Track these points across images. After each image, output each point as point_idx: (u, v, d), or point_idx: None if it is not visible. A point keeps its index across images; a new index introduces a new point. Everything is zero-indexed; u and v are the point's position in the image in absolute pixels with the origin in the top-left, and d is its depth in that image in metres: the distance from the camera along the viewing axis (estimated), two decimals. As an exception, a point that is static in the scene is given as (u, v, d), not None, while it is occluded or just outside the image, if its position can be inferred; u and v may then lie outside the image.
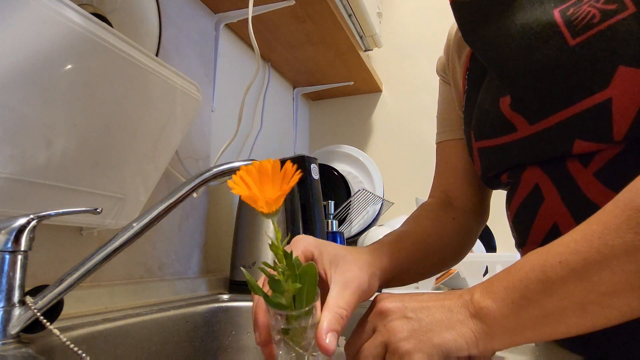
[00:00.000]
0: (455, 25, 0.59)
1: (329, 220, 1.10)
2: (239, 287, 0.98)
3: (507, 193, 0.52)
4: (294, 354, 0.32)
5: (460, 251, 0.60)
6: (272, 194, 0.32)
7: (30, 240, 0.50)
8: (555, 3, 0.40)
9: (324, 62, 1.44)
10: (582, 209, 0.40)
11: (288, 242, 0.38)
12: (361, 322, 0.37)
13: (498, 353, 0.45)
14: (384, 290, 0.44)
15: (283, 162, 1.13)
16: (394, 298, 0.36)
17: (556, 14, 0.39)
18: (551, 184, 0.43)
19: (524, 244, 0.48)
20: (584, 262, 0.29)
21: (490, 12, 0.47)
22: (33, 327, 0.49)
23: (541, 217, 0.44)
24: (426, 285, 1.10)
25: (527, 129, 0.42)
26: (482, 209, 0.64)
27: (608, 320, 0.29)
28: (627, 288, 0.27)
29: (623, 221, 0.28)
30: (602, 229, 0.29)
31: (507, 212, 0.52)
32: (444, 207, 0.61)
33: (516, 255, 0.49)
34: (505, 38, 0.44)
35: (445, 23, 0.67)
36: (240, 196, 1.06)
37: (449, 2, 0.52)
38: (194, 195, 0.98)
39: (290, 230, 1.01)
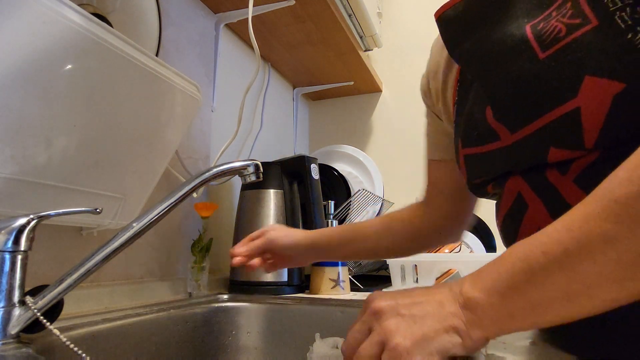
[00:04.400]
0: (439, 42, 0.62)
1: (329, 220, 1.10)
2: (239, 287, 0.98)
3: (495, 204, 0.53)
4: None
5: (413, 242, 0.75)
6: None
7: (30, 240, 0.50)
8: (528, 18, 0.42)
9: (324, 62, 1.44)
10: None
11: None
12: (356, 322, 0.38)
13: (498, 353, 0.45)
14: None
15: (283, 162, 1.12)
16: (387, 296, 0.37)
17: (528, 29, 0.42)
18: (533, 193, 0.44)
19: None
20: (565, 253, 0.29)
21: (472, 28, 0.49)
22: (33, 327, 0.49)
23: (526, 225, 0.45)
24: (426, 284, 1.10)
25: (508, 138, 0.44)
26: (457, 217, 0.73)
27: (594, 309, 0.30)
28: (609, 278, 0.28)
29: (602, 212, 0.29)
30: (582, 219, 0.30)
31: (496, 221, 0.53)
32: (424, 210, 0.73)
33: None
34: (485, 52, 0.47)
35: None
36: (240, 195, 1.07)
37: (434, 19, 0.55)
38: (194, 195, 0.98)
39: (290, 230, 1.01)
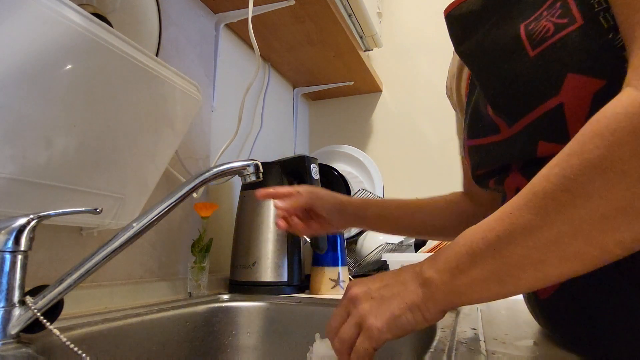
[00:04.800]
0: None
1: (329, 220, 1.10)
2: (239, 287, 0.98)
3: (500, 203, 0.54)
4: None
5: (448, 226, 0.75)
6: None
7: (30, 240, 0.50)
8: (522, 18, 0.44)
9: (324, 62, 1.44)
10: None
11: None
12: (337, 307, 0.44)
13: (497, 353, 0.45)
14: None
15: (283, 162, 1.13)
16: (362, 283, 0.43)
17: (521, 28, 0.43)
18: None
19: None
20: (497, 238, 0.34)
21: (474, 26, 0.51)
22: (33, 327, 0.49)
23: None
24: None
25: (507, 131, 0.47)
26: (493, 206, 0.74)
27: (522, 288, 0.35)
28: (529, 262, 0.33)
29: (524, 204, 0.33)
30: (511, 209, 0.34)
31: None
32: (463, 198, 0.75)
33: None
34: (483, 50, 0.49)
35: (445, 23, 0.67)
36: (240, 195, 1.07)
37: (443, 16, 0.57)
38: (194, 195, 0.98)
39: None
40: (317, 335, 0.52)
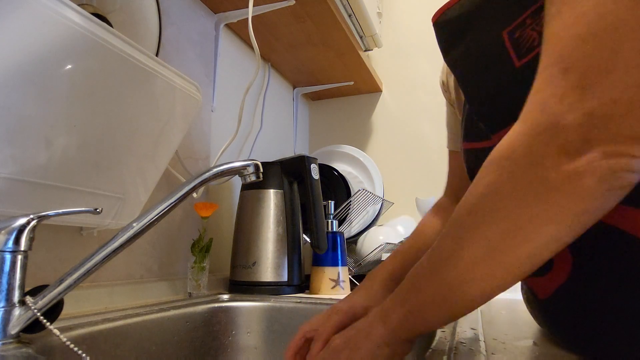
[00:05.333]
0: None
1: (329, 220, 1.10)
2: (239, 287, 0.98)
3: None
4: None
5: None
6: None
7: (30, 240, 0.50)
8: (504, 24, 0.44)
9: (324, 62, 1.44)
10: None
11: None
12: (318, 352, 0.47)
13: (497, 354, 0.45)
14: None
15: (283, 162, 1.12)
16: (341, 333, 0.46)
17: (505, 35, 0.43)
18: None
19: None
20: (429, 267, 0.38)
21: (460, 34, 0.51)
22: (33, 327, 0.49)
23: None
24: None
25: (495, 138, 0.47)
26: None
27: (463, 308, 0.37)
28: (457, 283, 0.35)
29: (447, 232, 0.37)
30: (438, 239, 0.38)
31: None
32: (450, 204, 0.74)
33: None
34: (469, 58, 0.49)
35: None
36: (240, 195, 1.07)
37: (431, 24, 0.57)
38: (194, 195, 0.98)
39: (290, 231, 1.01)
40: None
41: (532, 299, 0.50)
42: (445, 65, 0.70)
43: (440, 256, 0.37)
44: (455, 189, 0.76)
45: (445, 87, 0.71)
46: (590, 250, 0.39)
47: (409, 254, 0.71)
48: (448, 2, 0.53)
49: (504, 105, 0.44)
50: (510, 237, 0.32)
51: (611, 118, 0.28)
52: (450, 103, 0.72)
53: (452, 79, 0.68)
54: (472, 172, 0.55)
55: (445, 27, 0.54)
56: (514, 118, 0.42)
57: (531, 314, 0.55)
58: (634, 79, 0.28)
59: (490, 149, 0.48)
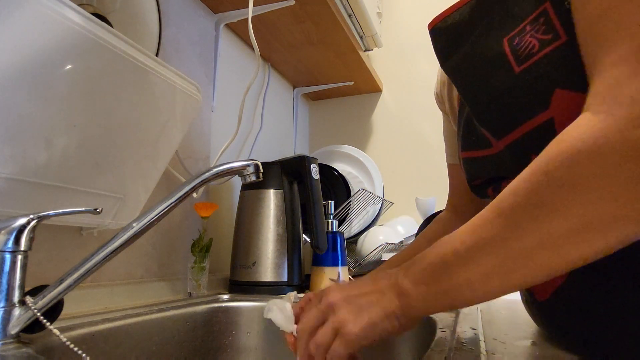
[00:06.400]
0: None
1: (329, 220, 1.10)
2: (239, 287, 0.98)
3: None
4: None
5: None
6: None
7: (30, 240, 0.50)
8: (505, 31, 0.44)
9: (324, 62, 1.44)
10: None
11: None
12: (312, 310, 0.44)
13: (497, 353, 0.45)
14: None
15: (283, 162, 1.12)
16: (341, 289, 0.44)
17: (505, 42, 0.44)
18: None
19: None
20: (467, 250, 0.37)
21: (459, 41, 0.51)
22: (33, 327, 0.49)
23: None
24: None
25: (498, 145, 0.47)
26: None
27: (493, 295, 0.37)
28: (497, 271, 0.35)
29: (495, 217, 0.35)
30: (481, 222, 0.37)
31: None
32: (452, 218, 0.75)
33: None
34: (468, 65, 0.49)
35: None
36: (240, 195, 1.07)
37: (428, 30, 0.56)
38: (194, 195, 0.98)
39: (290, 231, 1.01)
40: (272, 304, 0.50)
41: (531, 301, 0.50)
42: (439, 77, 0.70)
43: (482, 241, 0.36)
44: (455, 205, 0.77)
45: (439, 98, 0.71)
46: None
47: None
48: (447, 10, 0.53)
49: (506, 111, 0.44)
50: (583, 234, 0.31)
51: None
52: (446, 114, 0.72)
53: (445, 90, 0.68)
54: (472, 180, 0.55)
55: (444, 33, 0.53)
56: (517, 123, 0.42)
57: (530, 315, 0.55)
58: None
59: (492, 156, 0.49)
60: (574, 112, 0.37)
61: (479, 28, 0.48)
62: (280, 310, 0.49)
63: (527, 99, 0.41)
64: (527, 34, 0.41)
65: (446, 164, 0.79)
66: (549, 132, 0.40)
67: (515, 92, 0.42)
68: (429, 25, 0.56)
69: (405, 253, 0.75)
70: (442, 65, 0.55)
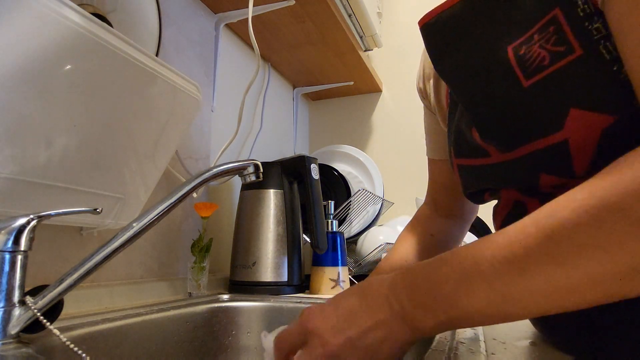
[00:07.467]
0: None
1: (329, 220, 1.10)
2: (239, 287, 0.98)
3: (494, 207, 0.53)
4: None
5: (441, 248, 0.74)
6: None
7: (30, 240, 0.50)
8: (509, 39, 0.40)
9: (324, 62, 1.44)
10: None
11: None
12: (290, 335, 0.39)
13: (497, 354, 0.45)
14: None
15: (283, 162, 1.12)
16: (332, 330, 0.36)
17: (510, 51, 0.40)
18: (529, 198, 0.44)
19: None
20: (496, 272, 0.31)
21: (455, 42, 0.47)
22: (33, 327, 0.49)
23: None
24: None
25: (499, 157, 0.44)
26: (462, 213, 0.75)
27: (519, 317, 0.32)
28: (531, 297, 0.30)
29: (539, 243, 0.30)
30: (519, 244, 0.31)
31: (493, 223, 0.53)
32: (433, 216, 0.74)
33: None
34: (468, 70, 0.45)
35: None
36: (240, 195, 1.07)
37: (418, 27, 0.52)
38: (194, 195, 0.98)
39: (290, 231, 1.01)
40: (263, 333, 0.50)
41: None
42: (422, 71, 0.66)
43: (506, 263, 0.31)
44: (435, 199, 0.75)
45: (423, 93, 0.68)
46: None
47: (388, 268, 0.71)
48: (440, 5, 0.48)
49: (513, 127, 0.40)
50: (631, 272, 0.27)
51: None
52: (429, 110, 0.69)
53: (431, 87, 0.64)
54: (469, 187, 0.53)
55: (437, 31, 0.49)
56: (526, 141, 0.39)
57: (529, 319, 0.55)
58: None
59: (490, 166, 0.46)
60: (592, 134, 0.34)
61: (477, 30, 0.44)
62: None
63: (538, 117, 0.38)
64: (535, 44, 0.38)
65: None
66: (562, 153, 0.37)
67: (524, 108, 0.39)
68: (420, 22, 0.51)
69: (395, 260, 0.73)
70: (435, 67, 0.51)
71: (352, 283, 1.10)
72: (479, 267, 0.32)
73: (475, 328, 0.56)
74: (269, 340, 0.46)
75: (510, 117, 0.41)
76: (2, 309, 0.47)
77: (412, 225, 0.77)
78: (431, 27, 0.50)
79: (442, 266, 0.34)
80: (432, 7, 0.50)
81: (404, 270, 0.37)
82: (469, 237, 1.32)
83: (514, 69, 0.39)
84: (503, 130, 0.42)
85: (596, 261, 0.28)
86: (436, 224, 0.74)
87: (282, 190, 1.03)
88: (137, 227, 0.52)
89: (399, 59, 1.71)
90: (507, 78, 0.40)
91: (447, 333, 0.54)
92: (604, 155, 0.35)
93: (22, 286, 0.49)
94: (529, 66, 0.38)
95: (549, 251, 0.29)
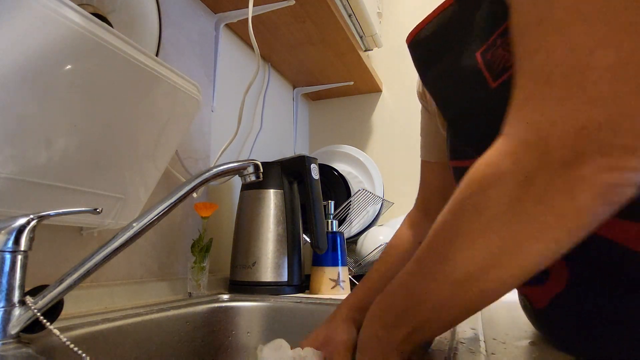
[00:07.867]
0: None
1: (329, 220, 1.10)
2: (239, 287, 0.98)
3: None
4: None
5: None
6: None
7: (30, 240, 0.50)
8: (477, 46, 0.43)
9: (324, 62, 1.44)
10: None
11: None
12: None
13: (497, 354, 0.45)
14: None
15: (283, 162, 1.12)
16: None
17: (478, 57, 0.43)
18: None
19: None
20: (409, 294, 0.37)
21: (436, 55, 0.50)
22: (33, 327, 0.49)
23: None
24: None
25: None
26: None
27: (449, 323, 0.37)
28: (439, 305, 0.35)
29: (424, 258, 0.38)
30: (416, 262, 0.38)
31: None
32: (422, 221, 0.74)
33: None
34: (445, 80, 0.48)
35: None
36: (240, 195, 1.07)
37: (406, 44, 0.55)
38: (194, 195, 0.98)
39: (290, 231, 1.01)
40: (260, 346, 0.51)
41: (529, 308, 0.50)
42: None
43: (424, 274, 0.37)
44: (426, 203, 0.75)
45: (422, 97, 0.69)
46: (585, 261, 0.39)
47: (377, 279, 0.69)
48: (421, 23, 0.52)
49: (485, 126, 0.42)
50: (499, 256, 0.31)
51: (602, 129, 0.27)
52: (427, 110, 0.70)
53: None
54: None
55: (420, 48, 0.52)
56: (492, 140, 0.42)
57: (528, 319, 0.55)
58: (623, 87, 0.26)
59: None
60: None
61: (452, 42, 0.47)
62: (275, 350, 0.48)
63: (503, 114, 0.40)
64: (498, 47, 0.40)
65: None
66: None
67: (493, 107, 0.41)
68: (407, 39, 0.55)
69: (377, 277, 0.70)
70: (422, 79, 0.54)
71: (352, 283, 1.10)
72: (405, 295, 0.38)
73: (475, 328, 0.56)
74: (265, 353, 0.48)
75: (481, 117, 0.43)
76: (2, 309, 0.47)
77: (407, 226, 0.77)
78: (414, 43, 0.54)
79: (395, 301, 0.39)
80: (432, 8, 0.52)
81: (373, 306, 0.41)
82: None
83: (483, 72, 0.42)
84: (476, 132, 0.44)
85: (464, 251, 0.33)
86: (426, 231, 0.75)
87: (282, 190, 1.03)
88: (137, 227, 0.52)
89: (399, 59, 1.71)
90: (478, 81, 0.42)
91: (447, 333, 0.54)
92: None
93: (22, 286, 0.49)
94: (496, 68, 0.41)
95: (438, 259, 0.35)
